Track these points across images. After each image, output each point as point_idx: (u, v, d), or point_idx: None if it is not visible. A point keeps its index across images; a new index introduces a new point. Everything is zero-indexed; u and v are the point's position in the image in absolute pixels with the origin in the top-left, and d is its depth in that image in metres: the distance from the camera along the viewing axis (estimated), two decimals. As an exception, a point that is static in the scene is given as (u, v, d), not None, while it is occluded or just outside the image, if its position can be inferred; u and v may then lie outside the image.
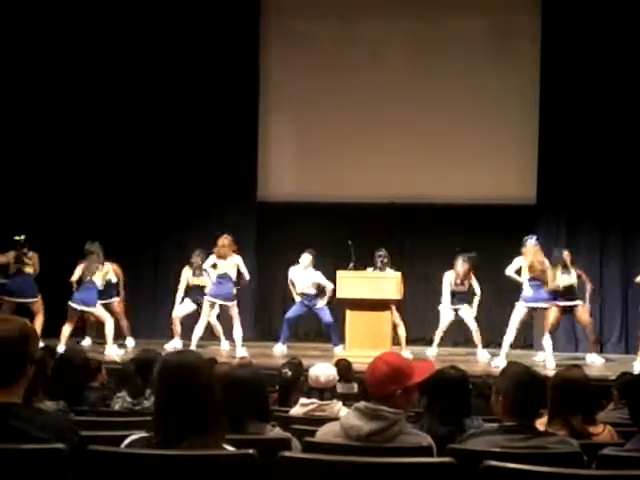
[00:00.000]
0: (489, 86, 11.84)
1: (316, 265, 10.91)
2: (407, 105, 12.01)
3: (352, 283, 10.06)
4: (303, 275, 10.85)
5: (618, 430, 4.23)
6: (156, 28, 12.13)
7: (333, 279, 10.31)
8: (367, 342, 9.42)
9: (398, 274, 10.21)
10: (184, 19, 12.16)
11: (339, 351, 10.42)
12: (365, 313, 9.84)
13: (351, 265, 10.26)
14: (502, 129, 11.88)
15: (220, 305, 10.67)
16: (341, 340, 10.45)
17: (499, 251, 10.90)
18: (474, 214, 11.73)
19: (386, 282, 10.10)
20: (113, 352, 10.34)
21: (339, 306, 10.43)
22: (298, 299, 10.96)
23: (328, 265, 10.96)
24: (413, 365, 3.47)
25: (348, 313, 9.99)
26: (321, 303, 10.84)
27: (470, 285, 10.56)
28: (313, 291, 10.86)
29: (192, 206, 12.05)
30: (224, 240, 10.50)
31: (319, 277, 10.81)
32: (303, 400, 4.91)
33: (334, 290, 10.33)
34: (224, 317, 10.88)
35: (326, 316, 10.83)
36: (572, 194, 11.60)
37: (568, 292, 9.94)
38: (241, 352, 10.27)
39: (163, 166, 12.23)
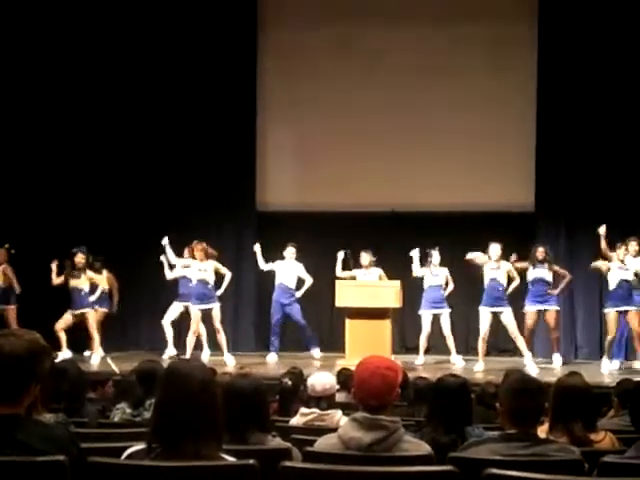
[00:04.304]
0: (487, 94, 11.87)
1: (315, 272, 11.01)
2: (405, 113, 12.02)
3: (352, 292, 10.08)
4: (286, 267, 11.02)
5: (619, 437, 4.23)
6: (154, 38, 12.15)
7: (332, 288, 10.31)
8: (367, 350, 9.30)
9: (397, 283, 10.20)
10: (182, 29, 12.18)
11: (317, 354, 10.80)
12: (365, 322, 9.86)
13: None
14: (500, 137, 11.91)
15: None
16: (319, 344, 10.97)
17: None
18: (474, 222, 11.70)
19: (385, 291, 10.10)
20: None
21: (339, 315, 10.42)
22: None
23: (327, 274, 10.96)
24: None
25: (348, 322, 10.01)
26: (298, 293, 11.00)
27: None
28: (293, 284, 11.02)
29: (191, 217, 12.00)
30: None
31: (301, 270, 11.02)
32: (303, 410, 4.88)
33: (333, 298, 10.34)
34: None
35: (298, 317, 10.98)
36: (570, 200, 11.64)
37: None
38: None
39: (161, 177, 12.22)
